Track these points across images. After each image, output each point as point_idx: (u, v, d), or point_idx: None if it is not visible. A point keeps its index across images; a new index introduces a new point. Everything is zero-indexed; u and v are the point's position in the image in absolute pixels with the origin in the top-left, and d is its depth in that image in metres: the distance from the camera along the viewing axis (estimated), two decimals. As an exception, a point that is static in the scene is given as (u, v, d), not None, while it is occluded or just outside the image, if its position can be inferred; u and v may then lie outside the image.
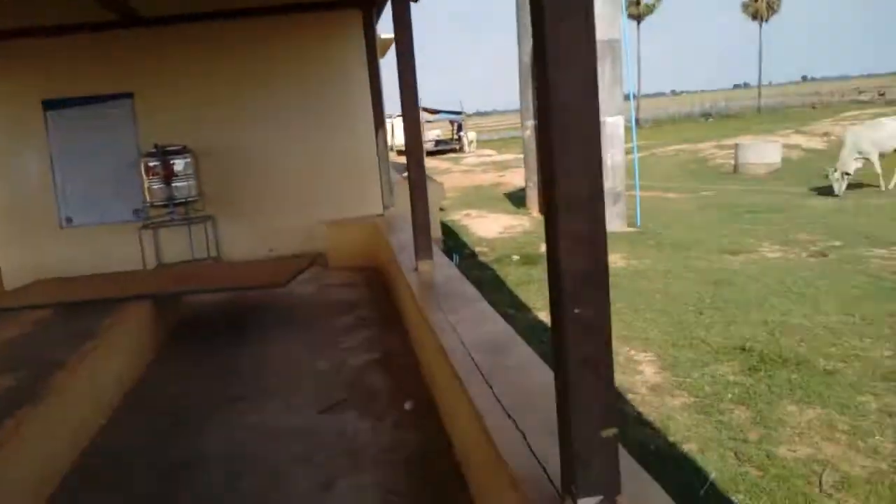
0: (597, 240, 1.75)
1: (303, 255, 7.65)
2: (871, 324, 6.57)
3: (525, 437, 2.37)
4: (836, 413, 4.87)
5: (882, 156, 14.09)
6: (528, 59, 12.81)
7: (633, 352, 6.13)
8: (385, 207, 8.10)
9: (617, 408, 1.62)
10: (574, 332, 1.77)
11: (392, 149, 22.51)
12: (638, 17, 54.49)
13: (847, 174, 13.59)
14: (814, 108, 46.18)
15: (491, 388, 2.80)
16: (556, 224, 1.75)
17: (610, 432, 1.82)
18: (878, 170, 14.04)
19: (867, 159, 13.92)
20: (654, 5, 55.44)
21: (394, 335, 5.44)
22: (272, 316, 6.52)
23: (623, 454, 2.12)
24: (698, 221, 12.22)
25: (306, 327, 6.05)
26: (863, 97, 55.37)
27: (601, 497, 1.82)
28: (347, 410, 4.11)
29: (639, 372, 5.68)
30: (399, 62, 4.85)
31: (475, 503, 2.97)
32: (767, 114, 45.32)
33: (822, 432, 4.63)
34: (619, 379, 5.56)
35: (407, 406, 4.02)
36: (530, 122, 13.17)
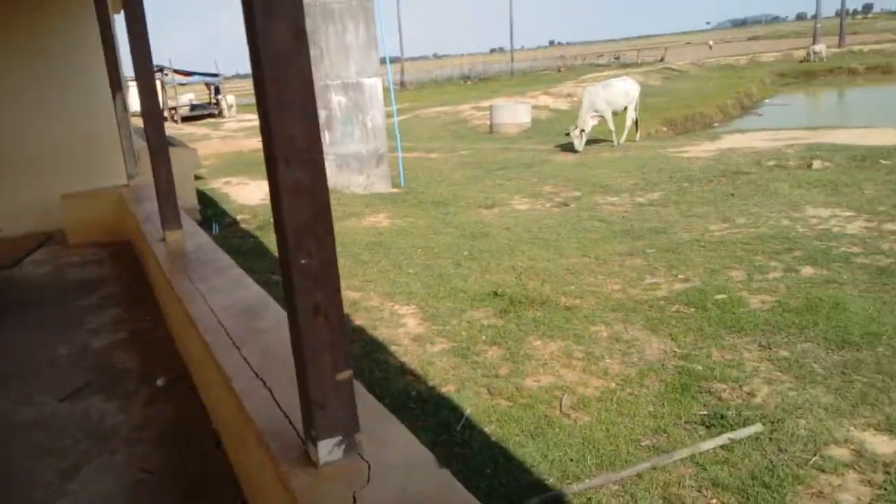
0: (318, 190, 1.78)
1: (37, 235, 6.90)
2: (604, 263, 7.38)
3: (272, 394, 2.37)
4: (574, 343, 5.43)
5: (615, 113, 15.72)
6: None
7: (396, 306, 6.34)
8: (130, 177, 7.54)
9: (350, 352, 1.67)
10: (302, 281, 1.79)
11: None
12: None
13: (584, 131, 15.01)
14: (560, 71, 50.13)
15: (240, 350, 2.76)
16: (276, 176, 1.74)
17: (344, 375, 1.88)
18: (612, 126, 15.65)
19: (602, 117, 15.46)
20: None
21: (144, 311, 5.13)
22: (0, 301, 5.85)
23: (365, 396, 2.21)
24: (458, 179, 12.85)
25: (43, 311, 5.50)
26: (601, 60, 61.10)
27: (340, 437, 1.89)
28: (92, 395, 3.83)
29: (402, 325, 5.91)
30: (126, 11, 4.47)
31: (233, 469, 2.93)
32: (520, 76, 48.51)
33: (562, 361, 5.15)
34: (384, 332, 5.74)
35: (159, 382, 3.84)
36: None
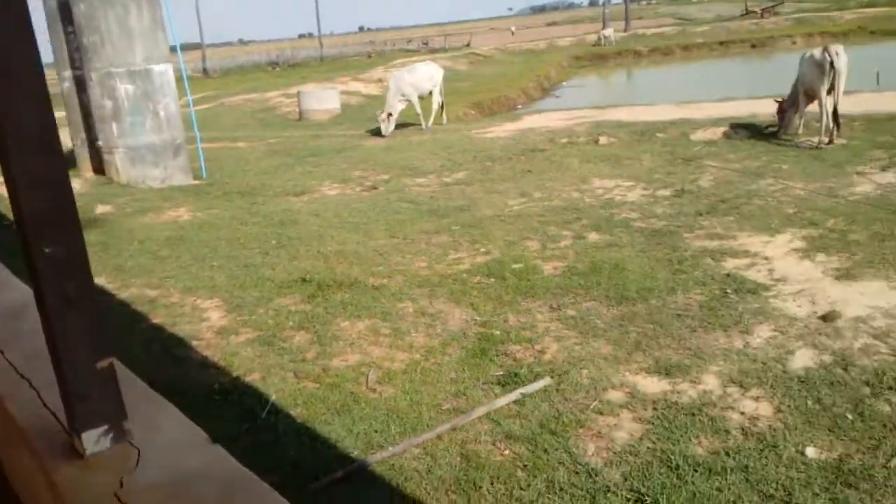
0: (58, 177, 1.72)
1: None
2: (412, 242, 7.60)
3: (39, 394, 2.26)
4: (381, 321, 5.59)
5: (421, 97, 16.08)
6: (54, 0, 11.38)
7: (198, 300, 6.16)
8: None
9: (111, 339, 1.65)
10: (49, 272, 1.73)
11: None
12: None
13: (391, 115, 15.23)
14: (370, 56, 50.25)
15: (3, 353, 2.59)
16: (9, 165, 1.67)
17: (105, 363, 1.85)
18: (419, 110, 15.99)
19: (409, 101, 15.75)
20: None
21: None
22: None
23: (136, 383, 2.16)
24: (265, 168, 12.60)
25: None
26: (410, 46, 61.96)
27: (106, 426, 1.85)
28: None
29: (205, 319, 5.76)
30: None
31: (7, 478, 2.75)
32: (330, 62, 48.11)
33: (369, 339, 5.28)
34: (185, 328, 5.57)
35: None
36: (68, 74, 11.78)
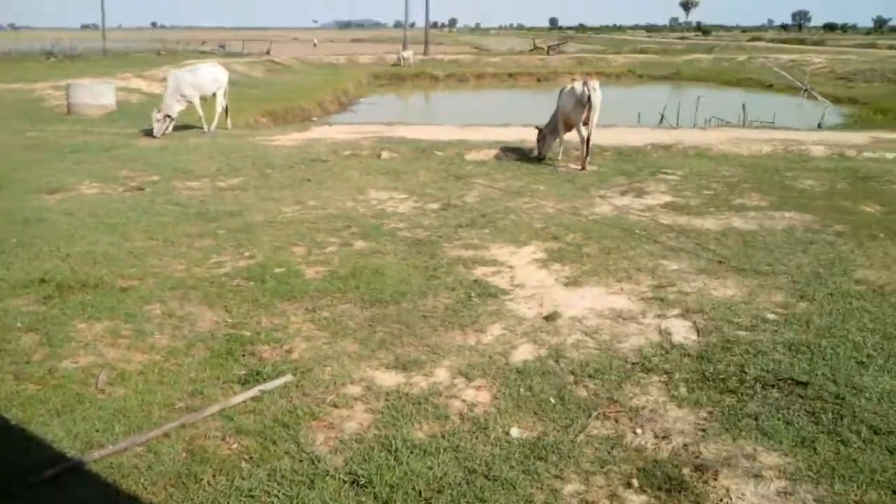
0: None
1: None
2: (172, 245, 7.36)
3: None
4: (124, 323, 5.37)
5: (203, 99, 15.53)
6: None
7: (-89, 299, 5.53)
8: None
9: None
10: None
11: None
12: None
13: (169, 116, 14.56)
14: (159, 54, 47.52)
15: None
16: None
17: None
18: (201, 112, 15.42)
19: (190, 102, 15.16)
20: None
21: None
22: None
23: None
24: (18, 163, 11.51)
25: None
26: (205, 48, 59.51)
27: None
28: None
29: (-85, 318, 5.19)
30: None
31: None
32: (114, 57, 44.77)
33: (107, 341, 5.06)
34: None
35: None
36: None
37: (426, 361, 4.80)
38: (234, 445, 3.81)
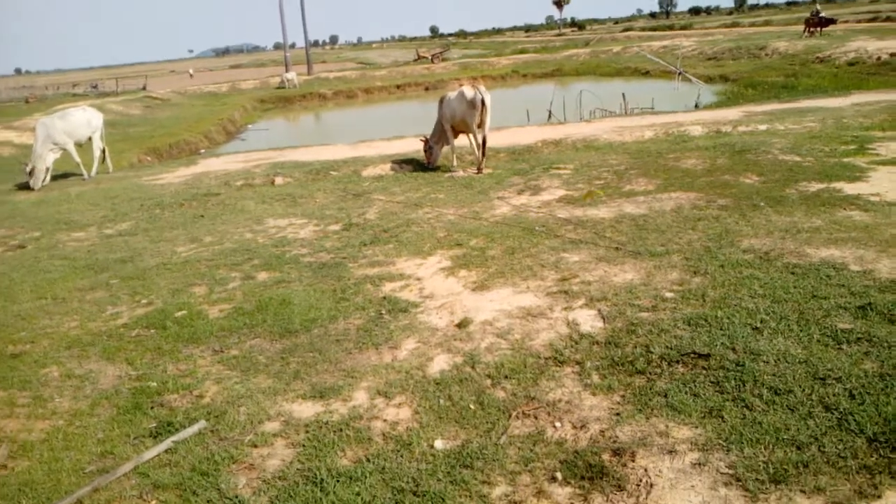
0: None
1: None
2: (63, 302, 7.00)
3: None
4: (19, 391, 5.07)
5: (79, 145, 14.83)
6: None
7: None
8: None
9: None
10: None
11: None
12: None
13: (47, 168, 13.82)
14: (28, 102, 45.08)
15: None
16: None
17: None
18: (77, 159, 14.71)
19: (64, 149, 14.45)
20: None
21: None
22: None
23: None
24: None
25: None
26: (77, 90, 56.92)
27: None
28: None
29: None
30: None
31: None
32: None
33: (3, 412, 4.76)
34: None
35: None
36: None
37: (343, 386, 4.75)
38: (153, 502, 3.65)
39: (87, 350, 5.74)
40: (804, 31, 39.23)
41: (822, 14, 39.54)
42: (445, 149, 12.76)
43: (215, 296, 6.84)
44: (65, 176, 14.93)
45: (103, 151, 15.46)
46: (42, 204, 12.13)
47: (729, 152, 11.17)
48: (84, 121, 14.82)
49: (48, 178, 13.98)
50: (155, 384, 5.05)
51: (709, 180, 9.45)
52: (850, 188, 8.36)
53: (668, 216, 7.92)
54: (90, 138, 14.97)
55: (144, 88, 50.37)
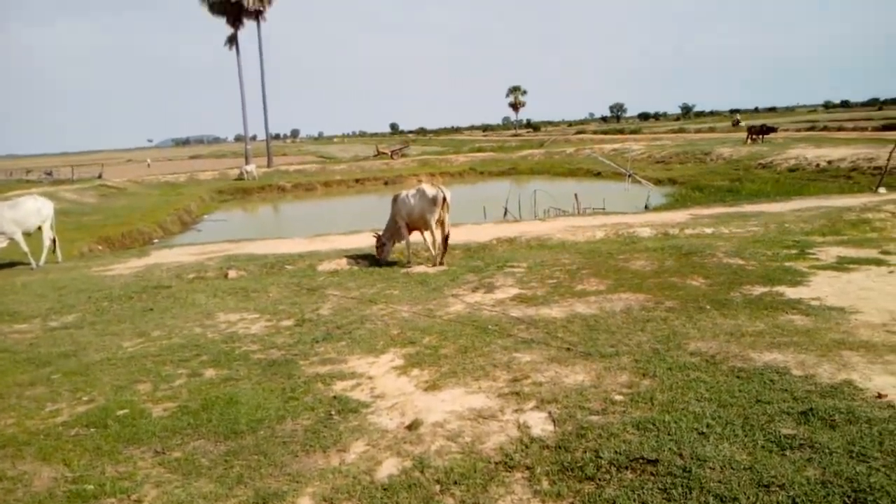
0: None
1: None
2: (1, 397, 6.73)
3: None
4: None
5: (28, 234, 14.60)
6: None
7: None
8: None
9: None
10: None
11: None
12: None
13: (-9, 255, 13.58)
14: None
15: None
16: None
17: None
18: (25, 248, 14.41)
19: (12, 239, 14.19)
20: None
21: None
22: None
23: None
24: None
25: None
26: (31, 176, 56.46)
27: None
28: None
29: None
30: None
31: None
32: (-76, 195, 41.38)
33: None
34: None
35: None
36: None
37: (287, 492, 4.63)
38: None
39: (22, 450, 5.50)
40: (747, 139, 41.46)
41: (745, 122, 42.03)
42: (400, 245, 12.94)
43: (160, 393, 6.66)
44: (10, 265, 14.60)
45: (53, 241, 15.23)
46: (-9, 294, 11.80)
47: (676, 254, 11.53)
48: (34, 209, 14.64)
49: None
50: (92, 487, 4.84)
51: (657, 282, 9.70)
52: (791, 292, 8.67)
53: (619, 317, 8.08)
54: (40, 227, 14.76)
55: (100, 177, 50.23)
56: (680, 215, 16.73)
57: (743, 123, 41.52)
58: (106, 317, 9.89)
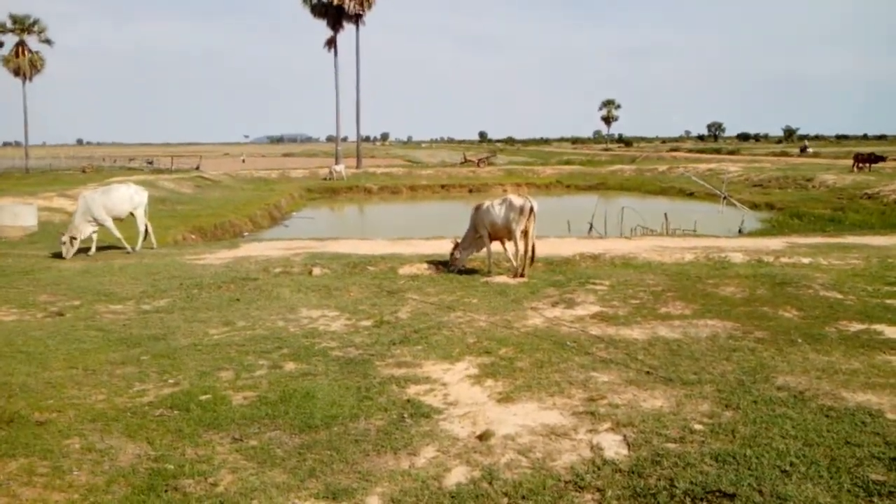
0: None
1: None
2: (93, 373, 7.09)
3: None
4: (40, 459, 5.10)
5: (119, 220, 15.28)
6: None
7: None
8: None
9: None
10: None
11: None
12: None
13: (74, 238, 14.14)
14: (84, 171, 47.12)
15: None
16: None
17: None
18: (117, 234, 15.05)
19: (104, 225, 14.85)
20: None
21: None
22: None
23: None
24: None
25: None
26: (133, 164, 59.46)
27: None
28: None
29: None
30: None
31: None
32: (37, 175, 44.23)
33: (22, 480, 4.80)
34: None
35: None
36: None
37: (357, 489, 4.67)
38: None
39: (110, 425, 5.76)
40: (853, 167, 39.51)
41: (811, 149, 39.83)
42: (481, 252, 12.94)
43: (241, 382, 6.86)
44: (109, 248, 15.38)
45: (147, 228, 15.85)
46: (86, 274, 12.46)
47: (769, 283, 11.07)
48: (126, 197, 15.28)
49: (74, 249, 14.31)
50: (172, 467, 5.02)
51: (747, 310, 9.34)
52: (890, 331, 8.20)
53: (703, 344, 7.82)
54: (132, 214, 15.41)
55: (198, 168, 52.36)
56: (776, 242, 16.07)
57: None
58: (195, 304, 10.28)
